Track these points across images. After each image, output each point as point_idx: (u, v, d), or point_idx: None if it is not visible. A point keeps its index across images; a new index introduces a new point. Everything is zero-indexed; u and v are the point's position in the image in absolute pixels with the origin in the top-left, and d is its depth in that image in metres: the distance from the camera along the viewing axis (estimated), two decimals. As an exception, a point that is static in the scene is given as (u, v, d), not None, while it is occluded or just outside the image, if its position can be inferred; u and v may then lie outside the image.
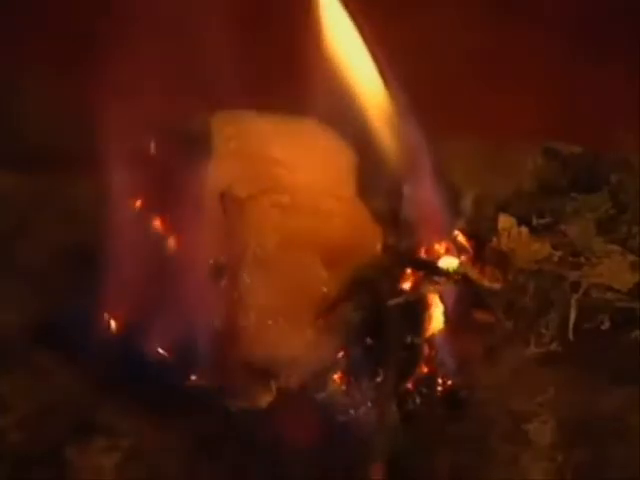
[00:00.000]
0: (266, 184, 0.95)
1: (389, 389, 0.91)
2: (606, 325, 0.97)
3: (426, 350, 0.93)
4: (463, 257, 0.98)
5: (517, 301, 0.97)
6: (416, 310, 0.94)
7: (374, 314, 0.93)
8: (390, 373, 0.91)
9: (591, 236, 0.99)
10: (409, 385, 0.92)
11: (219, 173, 0.95)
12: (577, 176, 1.05)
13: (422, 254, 0.98)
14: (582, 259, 0.98)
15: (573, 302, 0.97)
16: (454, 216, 1.00)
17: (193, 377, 0.93)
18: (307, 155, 0.99)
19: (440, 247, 0.98)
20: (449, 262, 0.97)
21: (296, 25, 1.05)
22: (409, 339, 0.93)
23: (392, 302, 0.92)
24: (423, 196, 0.98)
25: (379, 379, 0.92)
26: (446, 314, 0.94)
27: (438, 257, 0.98)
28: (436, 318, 0.94)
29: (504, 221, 0.99)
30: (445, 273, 0.96)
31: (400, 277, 0.96)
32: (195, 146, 0.97)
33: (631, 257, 0.98)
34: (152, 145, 0.98)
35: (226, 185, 0.94)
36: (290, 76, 1.09)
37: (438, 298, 0.95)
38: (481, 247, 0.99)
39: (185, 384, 0.93)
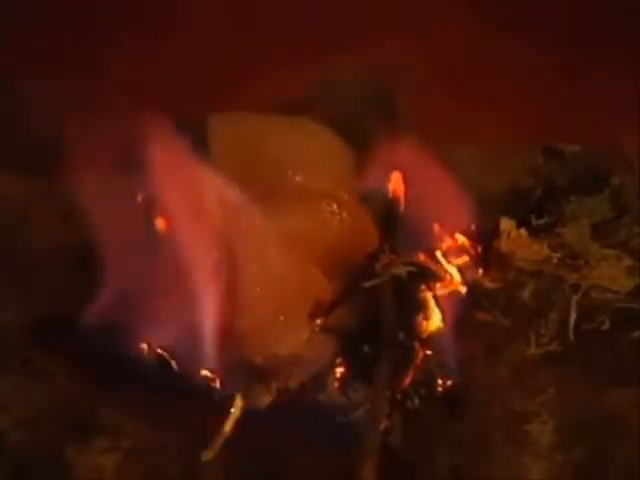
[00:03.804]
0: (265, 185, 0.95)
1: (382, 389, 0.91)
2: (606, 325, 0.97)
3: (422, 351, 0.93)
4: (464, 258, 0.98)
5: (517, 302, 0.97)
6: (412, 312, 0.94)
7: (371, 315, 0.93)
8: (384, 374, 0.91)
9: (587, 241, 0.99)
10: (406, 386, 0.93)
11: (218, 175, 0.95)
12: (577, 176, 1.05)
13: (421, 257, 0.98)
14: (581, 262, 0.98)
15: (573, 303, 0.97)
16: (455, 217, 1.00)
17: (193, 377, 0.93)
18: (306, 156, 0.99)
19: (439, 249, 0.98)
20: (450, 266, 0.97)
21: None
22: (405, 340, 0.93)
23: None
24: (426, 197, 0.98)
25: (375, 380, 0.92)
26: (443, 315, 0.94)
27: (437, 260, 0.98)
28: (433, 319, 0.94)
29: (504, 222, 0.99)
30: (443, 277, 0.96)
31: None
32: (194, 147, 0.97)
33: (628, 261, 0.98)
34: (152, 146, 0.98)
35: (225, 186, 0.94)
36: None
37: (435, 300, 0.95)
38: (481, 248, 0.99)
39: (185, 384, 0.93)
